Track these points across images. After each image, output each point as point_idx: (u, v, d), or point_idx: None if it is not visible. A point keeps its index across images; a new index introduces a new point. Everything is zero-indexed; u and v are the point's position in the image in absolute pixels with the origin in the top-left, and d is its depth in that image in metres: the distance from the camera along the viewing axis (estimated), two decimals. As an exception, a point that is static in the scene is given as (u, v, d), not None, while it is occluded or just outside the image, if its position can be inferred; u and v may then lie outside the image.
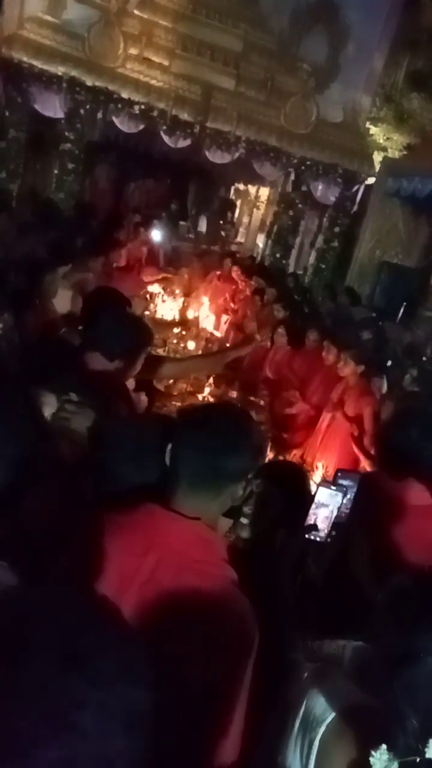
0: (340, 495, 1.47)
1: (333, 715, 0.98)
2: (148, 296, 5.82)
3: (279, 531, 1.49)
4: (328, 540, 1.47)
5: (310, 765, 0.98)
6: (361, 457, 3.31)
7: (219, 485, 1.23)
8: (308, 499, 1.65)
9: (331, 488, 1.48)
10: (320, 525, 1.47)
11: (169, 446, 1.23)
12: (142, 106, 8.24)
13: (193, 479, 1.21)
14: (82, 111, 8.24)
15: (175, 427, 1.27)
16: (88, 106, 8.22)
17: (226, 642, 1.12)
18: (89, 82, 8.08)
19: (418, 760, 0.84)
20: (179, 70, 8.37)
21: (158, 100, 8.27)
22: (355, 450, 3.39)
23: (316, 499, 1.46)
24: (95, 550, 1.19)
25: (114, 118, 8.31)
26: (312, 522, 1.46)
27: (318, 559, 1.66)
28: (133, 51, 8.18)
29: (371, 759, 0.84)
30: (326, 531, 1.47)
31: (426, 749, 0.84)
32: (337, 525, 1.50)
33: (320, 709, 1.00)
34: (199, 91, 8.36)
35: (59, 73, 7.96)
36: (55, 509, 1.40)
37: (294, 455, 3.67)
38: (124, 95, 8.18)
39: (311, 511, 1.46)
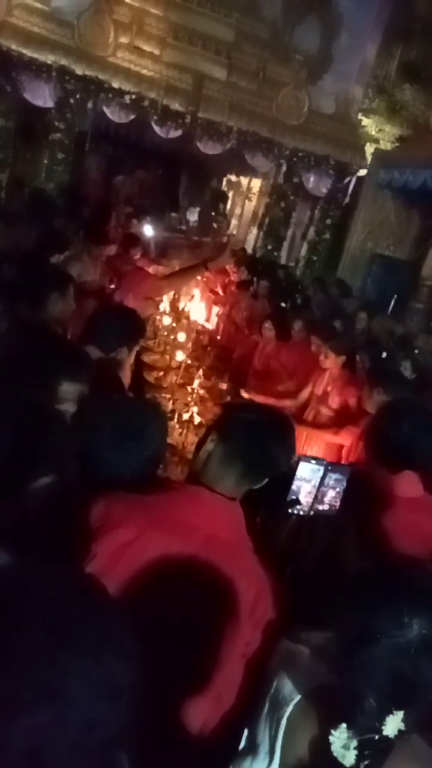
0: (321, 469, 1.49)
1: (299, 696, 1.02)
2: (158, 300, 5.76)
3: (260, 510, 1.52)
4: (311, 514, 1.49)
5: (277, 742, 1.02)
6: (347, 449, 3.32)
7: (266, 476, 1.36)
8: (289, 480, 1.69)
9: (311, 462, 1.49)
10: (303, 499, 1.49)
11: (211, 437, 1.33)
12: (133, 96, 8.17)
13: (248, 470, 1.33)
14: (72, 100, 8.17)
15: (226, 422, 1.38)
16: (78, 96, 8.14)
17: (267, 612, 1.23)
18: (79, 71, 7.99)
19: (376, 737, 0.88)
20: (170, 59, 8.29)
21: (149, 90, 8.21)
22: (341, 441, 3.40)
23: (298, 474, 1.48)
24: (110, 530, 1.23)
25: (104, 108, 8.24)
26: (294, 497, 1.48)
27: (310, 550, 1.67)
28: (123, 40, 8.09)
29: (331, 737, 0.89)
30: (309, 505, 1.48)
31: (383, 727, 0.88)
32: (326, 516, 1.50)
33: (288, 690, 1.04)
34: (191, 80, 8.30)
35: (49, 62, 7.87)
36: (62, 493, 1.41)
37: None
38: (115, 85, 8.11)
39: (294, 486, 1.48)
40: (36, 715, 0.59)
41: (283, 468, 1.38)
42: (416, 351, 5.14)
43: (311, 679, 1.03)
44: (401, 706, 0.90)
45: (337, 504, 1.48)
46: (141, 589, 1.19)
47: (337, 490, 1.47)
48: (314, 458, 1.53)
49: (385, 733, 0.89)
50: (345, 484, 1.48)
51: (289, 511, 1.49)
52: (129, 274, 4.33)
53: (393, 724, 0.89)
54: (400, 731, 0.89)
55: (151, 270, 6.15)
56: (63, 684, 0.61)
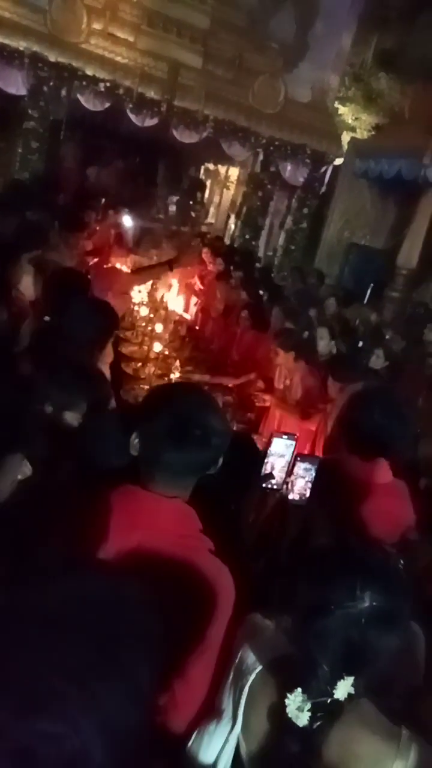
0: (293, 444, 1.54)
1: (260, 666, 1.10)
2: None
3: (231, 492, 1.56)
4: (285, 487, 1.55)
5: (239, 709, 1.11)
6: (316, 431, 3.39)
7: (198, 474, 1.31)
8: (257, 462, 1.74)
9: (284, 438, 1.54)
10: (276, 474, 1.54)
11: (135, 436, 1.26)
12: (108, 84, 8.08)
13: (175, 474, 1.27)
14: (45, 88, 8.04)
15: (145, 425, 1.29)
16: (51, 83, 8.01)
17: (208, 607, 1.21)
18: (52, 58, 7.87)
19: (328, 700, 0.97)
20: (145, 46, 8.20)
21: (124, 78, 8.11)
22: (309, 425, 3.47)
23: (272, 449, 1.53)
24: (80, 529, 1.23)
25: (79, 96, 8.13)
26: (268, 471, 1.53)
27: (282, 539, 1.72)
28: (96, 26, 7.98)
29: (287, 701, 0.98)
30: (282, 479, 1.54)
31: (334, 691, 0.97)
32: (297, 506, 1.55)
33: (251, 660, 1.12)
34: (166, 68, 8.22)
35: (21, 48, 7.73)
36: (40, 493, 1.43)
37: (260, 437, 3.73)
38: (89, 72, 8.00)
39: (267, 461, 1.53)
40: (64, 711, 0.60)
41: (215, 463, 1.31)
42: (388, 338, 5.22)
43: (272, 651, 1.11)
44: (351, 672, 0.98)
45: (307, 493, 1.53)
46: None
47: (306, 479, 1.52)
48: (286, 434, 1.57)
49: (336, 696, 0.97)
50: (314, 474, 1.53)
51: (264, 485, 1.54)
52: (103, 272, 4.33)
53: (343, 689, 0.98)
54: (350, 695, 0.98)
55: (128, 260, 6.15)
56: (99, 686, 0.62)
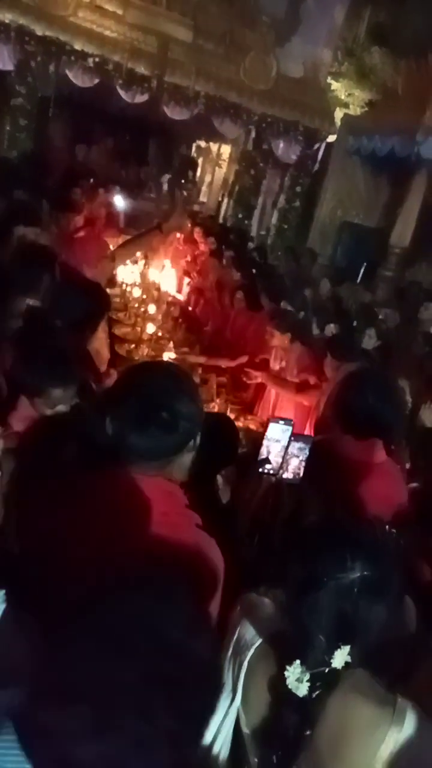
0: (289, 429, 1.55)
1: (260, 641, 1.14)
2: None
3: (215, 476, 1.57)
4: (285, 476, 1.56)
5: (239, 682, 1.14)
6: (312, 408, 3.40)
7: (171, 456, 1.29)
8: (237, 446, 1.74)
9: (280, 423, 1.55)
10: (272, 459, 1.55)
11: (110, 424, 1.25)
12: (97, 59, 7.92)
13: (146, 458, 1.25)
14: (32, 63, 7.88)
15: (113, 407, 1.27)
16: (39, 58, 7.85)
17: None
18: (39, 32, 7.69)
19: (326, 670, 1.00)
20: (134, 20, 8.03)
21: (113, 53, 7.96)
22: (306, 401, 3.47)
23: (268, 435, 1.54)
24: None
25: (67, 72, 7.97)
26: (265, 456, 1.54)
27: (276, 518, 1.74)
28: (84, -2, 7.80)
29: (286, 672, 1.01)
30: (278, 464, 1.55)
31: (332, 660, 1.01)
32: (290, 485, 1.57)
33: (250, 635, 1.15)
34: (156, 43, 8.06)
35: (6, 21, 7.56)
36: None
37: (255, 418, 3.75)
38: (77, 47, 7.84)
39: (265, 446, 1.54)
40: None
41: (187, 441, 1.28)
42: (381, 318, 5.23)
43: (270, 626, 1.14)
44: (347, 641, 1.01)
45: (301, 472, 1.54)
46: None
47: (300, 458, 1.53)
48: (282, 419, 1.58)
49: (333, 665, 1.01)
50: (308, 453, 1.54)
51: (260, 470, 1.55)
52: (80, 240, 4.28)
53: (340, 657, 1.01)
54: (346, 663, 1.01)
55: (120, 240, 6.09)
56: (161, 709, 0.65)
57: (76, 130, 9.99)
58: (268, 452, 1.53)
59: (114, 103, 8.65)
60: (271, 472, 1.54)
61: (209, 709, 0.83)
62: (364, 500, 1.92)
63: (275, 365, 3.80)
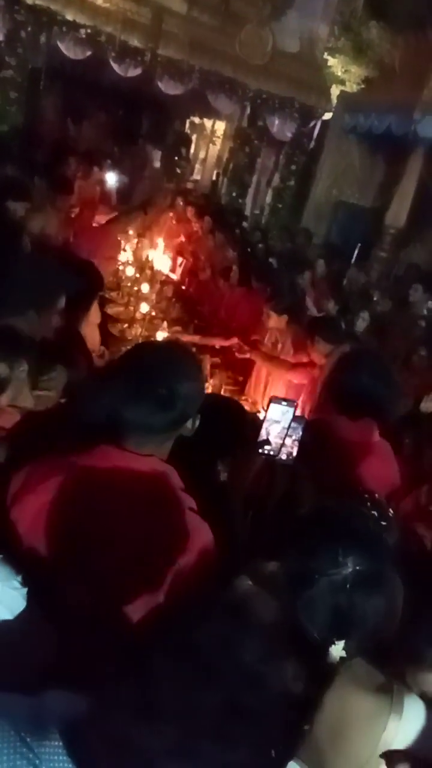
0: (291, 410, 1.53)
1: None
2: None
3: (220, 459, 1.57)
4: (281, 456, 1.55)
5: None
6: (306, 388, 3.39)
7: (167, 435, 1.29)
8: (246, 430, 1.73)
9: (282, 404, 1.53)
10: (272, 440, 1.53)
11: (109, 399, 1.24)
12: (89, 30, 7.75)
13: (143, 433, 1.25)
14: (23, 33, 7.69)
15: (113, 381, 1.26)
16: (29, 29, 7.67)
17: (188, 563, 1.20)
18: (29, 1, 7.49)
19: (321, 665, 0.99)
20: (127, -10, 7.84)
21: (105, 24, 7.78)
22: (298, 379, 3.47)
23: (269, 415, 1.51)
24: (54, 492, 1.22)
25: (59, 43, 7.79)
26: (265, 437, 1.53)
27: (269, 496, 1.75)
28: (75, -34, 7.59)
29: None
30: (279, 445, 1.54)
31: (327, 656, 1.01)
32: (284, 466, 1.57)
33: None
34: (149, 14, 7.88)
35: (-5, -10, 7.37)
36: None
37: (246, 397, 3.75)
38: (69, 17, 7.66)
39: (264, 427, 1.52)
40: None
41: (186, 418, 1.28)
42: (375, 299, 5.22)
43: (263, 617, 1.12)
44: (342, 636, 1.01)
45: (294, 452, 1.54)
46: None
47: (294, 438, 1.53)
48: (284, 399, 1.56)
49: (329, 660, 1.01)
50: (301, 433, 1.54)
51: (260, 451, 1.54)
52: (90, 233, 4.22)
53: (336, 653, 1.01)
54: (342, 658, 1.01)
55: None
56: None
57: (67, 104, 9.80)
58: (268, 433, 1.51)
59: (107, 77, 8.48)
60: (271, 453, 1.53)
61: (289, 751, 0.82)
62: (359, 480, 1.94)
63: (270, 346, 3.78)
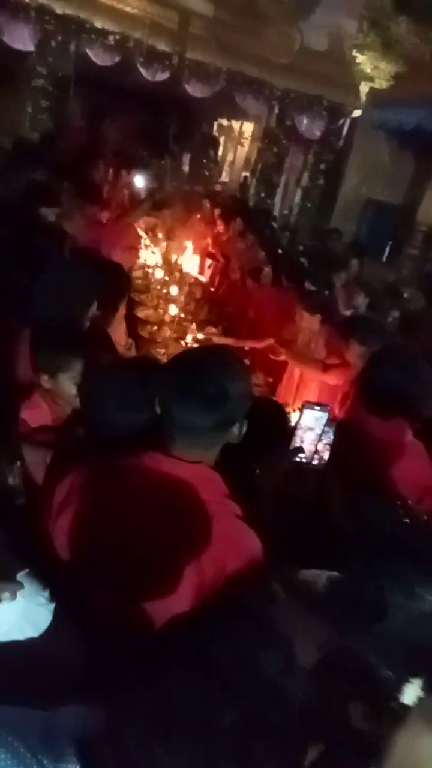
0: (324, 416, 1.48)
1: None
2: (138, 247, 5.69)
3: (259, 466, 1.54)
4: (313, 462, 1.50)
5: None
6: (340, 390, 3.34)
7: (214, 437, 1.26)
8: (287, 433, 1.70)
9: (315, 409, 1.48)
10: (306, 447, 1.49)
11: (158, 398, 1.23)
12: (117, 36, 7.83)
13: (189, 434, 1.23)
14: (53, 43, 7.82)
15: (162, 379, 1.26)
16: (59, 37, 7.79)
17: (238, 570, 1.18)
18: (59, 10, 7.62)
19: (394, 706, 0.89)
20: (154, -6, 7.90)
21: (133, 29, 7.85)
22: (332, 380, 3.41)
23: (302, 422, 1.47)
24: (98, 500, 1.22)
25: (88, 50, 7.90)
26: (298, 445, 1.49)
27: (299, 497, 1.73)
28: (103, -26, 7.68)
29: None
30: (312, 452, 1.49)
31: (401, 695, 0.89)
32: (317, 466, 1.54)
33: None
34: (176, 18, 7.92)
35: (27, 0, 7.49)
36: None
37: (277, 398, 3.72)
38: (97, 24, 7.75)
39: (298, 435, 1.47)
40: None
41: (232, 423, 1.25)
42: (405, 296, 5.11)
43: (319, 648, 1.00)
44: (418, 673, 0.91)
45: (326, 456, 1.51)
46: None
47: (325, 442, 1.50)
48: (317, 404, 1.52)
49: (404, 701, 0.90)
50: (332, 436, 1.50)
51: (294, 459, 1.50)
52: (110, 225, 4.27)
53: (412, 692, 0.91)
54: (419, 698, 0.91)
55: (142, 222, 6.06)
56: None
57: (96, 109, 9.93)
58: (302, 441, 1.47)
59: (134, 82, 8.55)
60: (305, 460, 1.48)
61: None
62: (390, 482, 1.89)
63: (303, 346, 3.74)
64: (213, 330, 4.39)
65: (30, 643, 0.98)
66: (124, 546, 1.19)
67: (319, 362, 3.49)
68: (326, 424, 1.48)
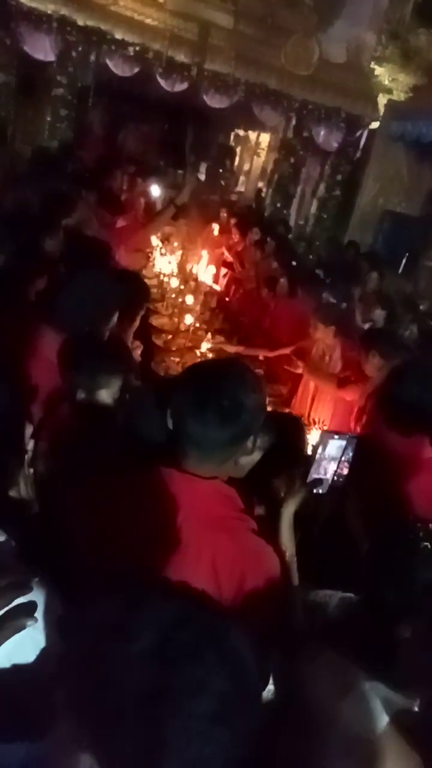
0: (344, 443, 1.43)
1: (386, 720, 0.97)
2: (148, 251, 5.72)
3: (277, 481, 1.50)
4: (329, 490, 1.46)
5: None
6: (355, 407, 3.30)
7: (228, 451, 1.23)
8: (304, 449, 1.65)
9: (335, 438, 1.43)
10: (326, 478, 1.45)
11: (169, 413, 1.21)
12: (137, 48, 7.90)
13: (204, 449, 1.20)
14: (74, 53, 7.91)
15: (175, 394, 1.22)
16: (80, 48, 7.88)
17: (257, 586, 1.17)
18: (80, 22, 7.71)
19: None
20: (174, 7, 7.95)
21: (153, 41, 7.92)
22: (347, 396, 3.37)
23: (323, 452, 1.42)
24: (116, 515, 1.20)
25: (108, 61, 7.97)
26: (321, 476, 1.44)
27: (317, 516, 1.69)
28: (125, -14, 7.77)
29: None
30: (331, 481, 1.45)
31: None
32: (335, 483, 1.50)
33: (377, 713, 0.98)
34: (196, 29, 7.98)
35: (48, 12, 7.59)
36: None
37: (291, 410, 3.68)
38: (118, 36, 7.83)
39: (322, 465, 1.42)
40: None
41: (246, 437, 1.22)
42: (422, 307, 5.07)
43: (389, 703, 0.97)
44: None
45: (344, 472, 1.47)
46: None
47: (344, 459, 1.45)
48: (337, 433, 1.46)
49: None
50: (351, 454, 1.46)
51: (314, 491, 1.45)
52: (118, 227, 4.27)
53: None
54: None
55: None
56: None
57: (115, 119, 10.02)
58: (325, 471, 1.41)
59: (153, 92, 8.62)
60: (322, 491, 1.44)
61: None
62: (410, 499, 1.85)
63: (317, 358, 3.71)
64: (221, 338, 4.38)
65: (21, 668, 0.90)
66: (128, 563, 1.17)
67: (334, 377, 3.45)
68: (347, 447, 1.43)
